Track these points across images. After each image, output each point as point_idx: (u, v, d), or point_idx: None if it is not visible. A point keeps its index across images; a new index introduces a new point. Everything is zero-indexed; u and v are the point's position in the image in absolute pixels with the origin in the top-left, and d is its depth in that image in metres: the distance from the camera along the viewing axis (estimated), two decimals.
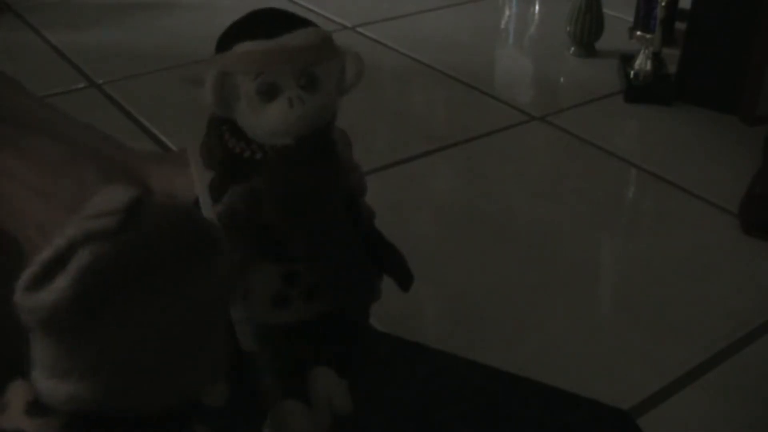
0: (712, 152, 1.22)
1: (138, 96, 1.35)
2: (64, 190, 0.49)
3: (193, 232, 0.34)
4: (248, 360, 0.53)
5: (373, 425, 0.69)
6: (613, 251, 1.03)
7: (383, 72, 1.49)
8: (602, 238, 1.04)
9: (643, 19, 1.38)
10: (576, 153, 1.22)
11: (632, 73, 1.38)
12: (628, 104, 1.35)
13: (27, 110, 0.61)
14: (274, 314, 0.53)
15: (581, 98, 1.38)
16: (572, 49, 1.54)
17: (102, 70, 1.44)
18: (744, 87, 1.28)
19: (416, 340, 0.81)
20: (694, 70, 1.33)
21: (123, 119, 1.28)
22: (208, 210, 0.47)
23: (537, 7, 1.82)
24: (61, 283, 0.31)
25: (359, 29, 1.66)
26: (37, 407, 0.34)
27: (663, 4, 1.34)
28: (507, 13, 1.83)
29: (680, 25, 1.44)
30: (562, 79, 1.49)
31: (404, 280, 0.57)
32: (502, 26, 1.76)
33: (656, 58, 1.38)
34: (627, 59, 1.42)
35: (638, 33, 1.38)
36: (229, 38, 0.50)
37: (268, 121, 0.48)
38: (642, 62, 1.37)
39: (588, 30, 1.51)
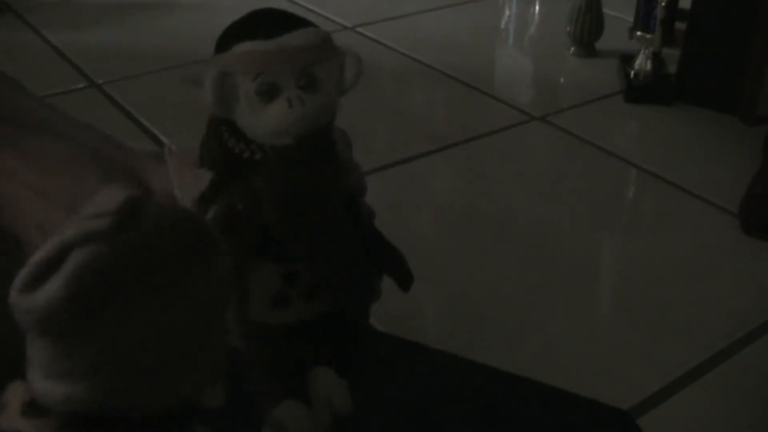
0: (712, 152, 1.22)
1: (138, 96, 1.35)
2: (64, 190, 0.49)
3: (193, 232, 0.34)
4: (248, 360, 0.53)
5: (373, 425, 0.69)
6: (613, 251, 1.03)
7: (383, 72, 1.49)
8: (602, 238, 1.04)
9: (643, 19, 1.38)
10: (576, 153, 1.22)
11: (632, 73, 1.38)
12: (628, 104, 1.35)
13: (27, 110, 0.61)
14: (274, 314, 0.53)
15: (581, 98, 1.38)
16: (572, 49, 1.54)
17: (102, 70, 1.44)
18: (744, 87, 1.28)
19: (416, 340, 0.81)
20: (694, 70, 1.33)
21: (123, 119, 1.28)
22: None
23: (537, 7, 1.82)
24: (54, 284, 0.31)
25: (359, 29, 1.66)
26: (34, 408, 0.34)
27: (663, 4, 1.34)
28: (507, 13, 1.83)
29: (680, 25, 1.44)
30: (562, 79, 1.49)
31: (404, 280, 0.57)
32: (502, 26, 1.76)
33: (656, 58, 1.38)
34: (627, 59, 1.42)
35: (638, 33, 1.38)
36: (228, 38, 0.50)
37: (268, 121, 0.48)
38: (642, 62, 1.37)
39: (588, 30, 1.51)
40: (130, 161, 0.53)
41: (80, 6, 1.77)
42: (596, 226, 1.04)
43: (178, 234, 0.34)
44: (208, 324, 0.35)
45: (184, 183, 0.50)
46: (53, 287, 0.31)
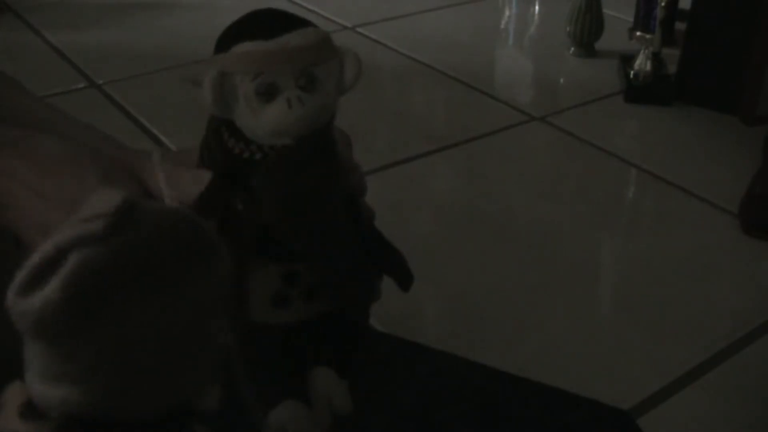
0: (712, 152, 1.22)
1: (138, 96, 1.35)
2: (64, 190, 0.49)
3: (192, 232, 0.34)
4: (248, 360, 0.53)
5: (373, 425, 0.69)
6: (613, 251, 1.03)
7: (383, 72, 1.49)
8: (602, 238, 1.04)
9: (643, 19, 1.38)
10: (576, 153, 1.22)
11: (632, 73, 1.38)
12: (628, 104, 1.35)
13: (27, 110, 0.61)
14: (274, 314, 0.53)
15: (581, 98, 1.38)
16: (572, 49, 1.54)
17: (102, 70, 1.44)
18: (744, 87, 1.28)
19: (416, 340, 0.81)
20: (694, 70, 1.33)
21: (123, 119, 1.28)
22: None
23: (537, 7, 1.82)
24: (51, 288, 0.31)
25: (359, 29, 1.66)
26: (31, 410, 0.33)
27: (663, 4, 1.34)
28: (507, 13, 1.83)
29: (680, 25, 1.44)
30: (562, 79, 1.50)
31: (404, 280, 0.57)
32: (502, 26, 1.76)
33: (656, 58, 1.38)
34: (627, 59, 1.42)
35: (638, 33, 1.38)
36: (228, 38, 0.50)
37: (268, 121, 0.48)
38: (642, 62, 1.37)
39: (588, 30, 1.51)
40: (130, 161, 0.53)
41: (80, 6, 1.77)
42: (596, 226, 1.04)
43: (177, 234, 0.34)
44: (208, 324, 0.35)
45: (184, 183, 0.50)
46: (50, 290, 0.31)
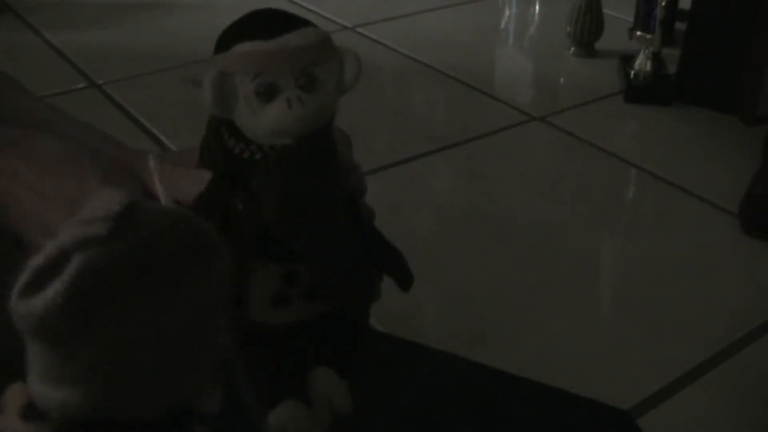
0: (712, 152, 1.22)
1: (138, 96, 1.35)
2: (64, 190, 0.49)
3: (192, 232, 0.34)
4: (247, 360, 0.53)
5: (373, 425, 0.69)
6: (613, 251, 1.03)
7: (383, 72, 1.49)
8: (602, 238, 1.04)
9: (643, 19, 1.38)
10: (576, 153, 1.22)
11: (632, 73, 1.38)
12: (628, 104, 1.35)
13: (27, 110, 0.61)
14: (274, 314, 0.53)
15: (581, 98, 1.38)
16: (572, 49, 1.54)
17: (102, 70, 1.44)
18: (744, 87, 1.28)
19: (416, 340, 0.81)
20: (694, 70, 1.33)
21: (123, 119, 1.28)
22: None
23: (537, 7, 1.82)
24: (53, 290, 0.31)
25: (359, 29, 1.66)
26: (32, 411, 0.33)
27: (663, 4, 1.34)
28: (507, 13, 1.83)
29: (680, 25, 1.44)
30: (562, 79, 1.50)
31: (404, 280, 0.57)
32: (502, 26, 1.76)
33: (656, 58, 1.38)
34: (627, 59, 1.42)
35: (638, 33, 1.38)
36: (228, 38, 0.50)
37: (268, 121, 0.48)
38: (642, 62, 1.37)
39: (588, 30, 1.51)
40: (130, 161, 0.53)
41: (80, 6, 1.77)
42: (596, 226, 1.04)
43: (177, 234, 0.34)
44: (208, 324, 0.35)
45: (184, 184, 0.50)
46: (53, 292, 0.31)
